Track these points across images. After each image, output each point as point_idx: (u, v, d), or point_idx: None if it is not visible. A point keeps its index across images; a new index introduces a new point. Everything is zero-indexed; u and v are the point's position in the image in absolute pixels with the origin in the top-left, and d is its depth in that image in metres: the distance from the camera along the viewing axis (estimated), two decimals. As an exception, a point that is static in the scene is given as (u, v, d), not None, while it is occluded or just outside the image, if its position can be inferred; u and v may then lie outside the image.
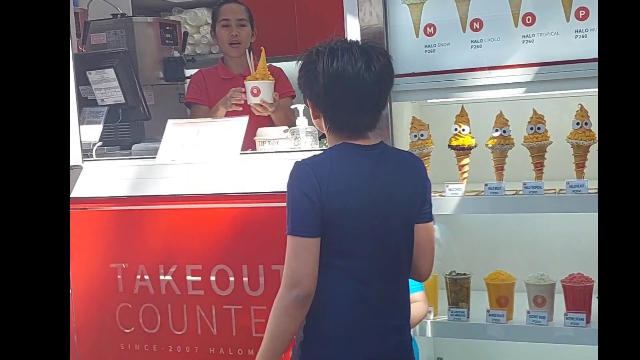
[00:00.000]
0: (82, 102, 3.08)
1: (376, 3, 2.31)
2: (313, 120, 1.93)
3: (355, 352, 1.82)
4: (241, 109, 3.11)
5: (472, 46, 2.28)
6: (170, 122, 2.79)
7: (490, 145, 2.39)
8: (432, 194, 2.39)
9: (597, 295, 1.53)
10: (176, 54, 3.90)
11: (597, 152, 1.57)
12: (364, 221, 1.79)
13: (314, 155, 1.84)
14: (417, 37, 2.33)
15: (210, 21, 4.79)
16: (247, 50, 3.32)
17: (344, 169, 1.79)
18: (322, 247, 1.78)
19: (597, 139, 2.04)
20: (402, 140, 2.48)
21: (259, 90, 2.95)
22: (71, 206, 2.86)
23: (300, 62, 1.89)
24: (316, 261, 1.76)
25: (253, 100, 3.00)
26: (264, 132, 2.86)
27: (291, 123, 2.97)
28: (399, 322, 1.89)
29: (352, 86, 1.79)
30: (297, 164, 1.80)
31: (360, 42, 1.87)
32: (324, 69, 1.80)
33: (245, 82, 3.05)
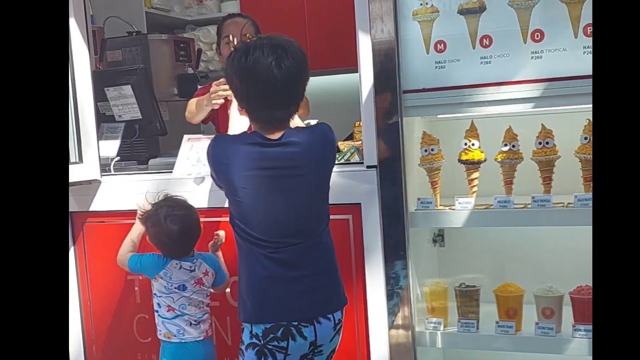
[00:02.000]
0: (101, 118, 3.08)
1: (388, 20, 2.31)
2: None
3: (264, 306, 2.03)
4: (222, 101, 2.83)
5: (481, 62, 2.27)
6: (185, 137, 2.79)
7: (499, 160, 2.38)
8: (443, 207, 2.42)
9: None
10: (190, 70, 3.90)
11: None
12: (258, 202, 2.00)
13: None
14: (428, 53, 2.32)
15: (223, 38, 4.83)
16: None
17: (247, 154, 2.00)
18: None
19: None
20: (413, 155, 2.47)
21: None
22: (89, 219, 2.89)
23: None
24: None
25: None
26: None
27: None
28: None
29: (263, 81, 1.91)
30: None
31: (274, 39, 1.96)
32: (238, 66, 1.93)
33: None
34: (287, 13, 4.39)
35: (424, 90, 2.34)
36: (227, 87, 2.58)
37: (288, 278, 2.02)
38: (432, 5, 2.29)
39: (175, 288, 2.39)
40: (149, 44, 3.66)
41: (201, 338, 2.42)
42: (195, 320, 2.41)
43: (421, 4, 2.30)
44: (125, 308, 2.82)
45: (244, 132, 2.14)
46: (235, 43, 3.13)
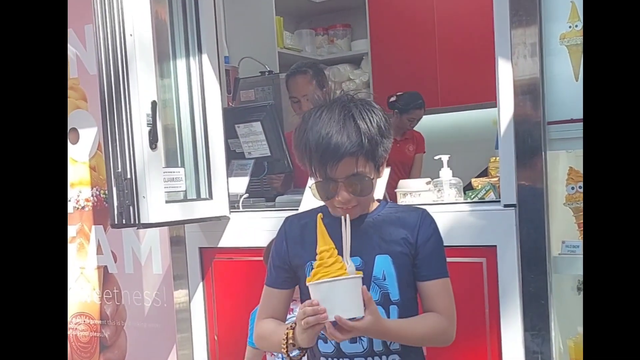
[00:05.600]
0: (231, 155, 2.98)
1: (531, 45, 2.01)
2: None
3: None
4: None
5: (643, 90, 1.92)
6: (312, 174, 2.62)
7: (660, 200, 1.99)
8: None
9: None
10: (320, 108, 3.75)
11: None
12: None
13: None
14: (577, 80, 2.00)
15: (352, 77, 4.69)
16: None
17: None
18: None
19: None
20: (557, 193, 2.14)
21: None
22: (218, 255, 2.78)
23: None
24: None
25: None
26: (405, 184, 2.60)
27: None
28: None
29: None
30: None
31: None
32: None
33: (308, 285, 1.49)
34: (417, 50, 4.15)
35: (572, 121, 2.02)
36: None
37: None
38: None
39: None
40: (280, 83, 3.57)
41: None
42: None
43: (570, 27, 1.98)
44: (250, 346, 2.66)
45: None
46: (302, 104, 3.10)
